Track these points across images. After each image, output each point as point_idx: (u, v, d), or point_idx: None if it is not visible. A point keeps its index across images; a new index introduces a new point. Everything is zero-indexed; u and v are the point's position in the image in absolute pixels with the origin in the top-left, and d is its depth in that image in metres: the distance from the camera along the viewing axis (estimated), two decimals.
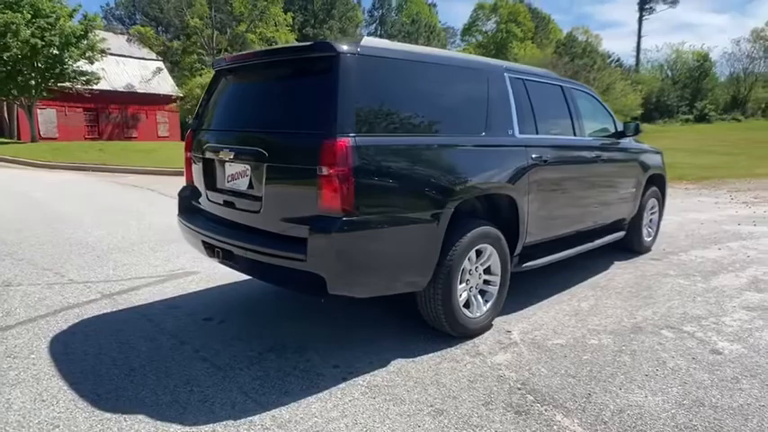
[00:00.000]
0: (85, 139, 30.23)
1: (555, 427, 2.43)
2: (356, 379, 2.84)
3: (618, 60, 49.56)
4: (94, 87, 26.62)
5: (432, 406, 2.58)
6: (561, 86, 4.36)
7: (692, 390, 2.77)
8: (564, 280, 4.61)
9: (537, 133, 3.83)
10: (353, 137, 2.64)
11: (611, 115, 5.03)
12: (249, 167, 3.05)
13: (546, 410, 2.56)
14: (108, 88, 31.20)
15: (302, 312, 3.84)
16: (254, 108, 3.19)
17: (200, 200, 3.60)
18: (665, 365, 3.04)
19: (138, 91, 33.84)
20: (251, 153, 2.99)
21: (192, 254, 5.35)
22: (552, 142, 4.00)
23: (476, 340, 3.35)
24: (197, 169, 3.58)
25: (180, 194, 3.79)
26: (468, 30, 58.71)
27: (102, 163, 14.97)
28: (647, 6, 55.79)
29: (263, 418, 2.46)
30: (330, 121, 2.64)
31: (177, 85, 36.10)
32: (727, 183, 11.54)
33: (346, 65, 2.71)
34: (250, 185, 3.06)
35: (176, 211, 3.79)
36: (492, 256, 3.44)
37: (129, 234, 6.34)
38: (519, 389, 2.76)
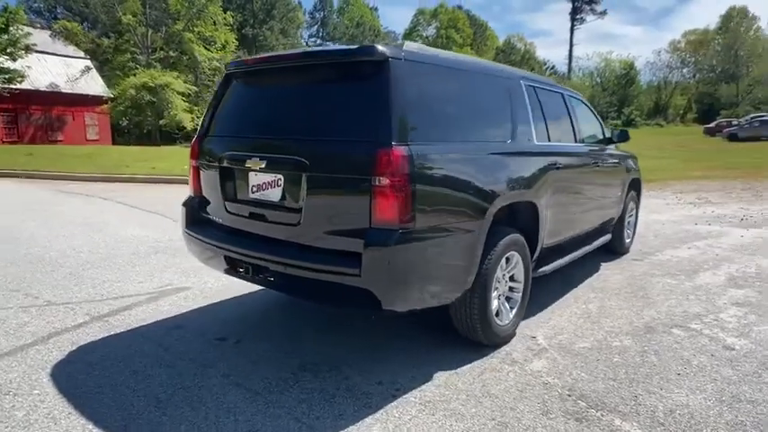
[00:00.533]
0: (3, 142, 27.86)
1: None
2: (406, 396, 2.75)
3: (553, 68, 52.02)
4: (14, 86, 24.58)
5: (494, 419, 2.54)
6: (562, 94, 4.47)
7: (724, 386, 2.90)
8: (561, 284, 4.71)
9: (549, 140, 3.90)
10: (408, 145, 2.56)
11: (600, 122, 5.23)
12: (282, 177, 2.89)
13: (603, 416, 2.59)
14: (29, 87, 28.93)
15: (321, 325, 3.69)
16: (287, 114, 3.00)
17: (212, 212, 3.38)
18: (691, 364, 3.17)
19: (64, 91, 31.67)
20: (288, 162, 2.83)
21: (178, 268, 5.05)
22: (562, 149, 4.09)
23: (507, 348, 3.35)
24: (208, 178, 3.37)
25: (186, 205, 3.54)
26: (409, 34, 59.69)
27: (37, 169, 13.81)
28: (578, 17, 59.03)
29: None
30: (383, 129, 2.54)
31: (108, 86, 34.10)
32: (669, 185, 12.33)
33: (395, 70, 2.63)
34: (283, 196, 2.90)
35: (183, 224, 3.53)
36: (518, 264, 3.46)
37: (97, 248, 5.87)
38: (569, 395, 2.78)
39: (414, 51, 2.84)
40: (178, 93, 32.17)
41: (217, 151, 3.27)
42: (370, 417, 2.55)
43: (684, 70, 57.83)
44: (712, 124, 37.78)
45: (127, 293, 4.35)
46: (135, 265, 5.20)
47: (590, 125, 4.98)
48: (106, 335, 3.49)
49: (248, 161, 3.00)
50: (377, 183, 2.51)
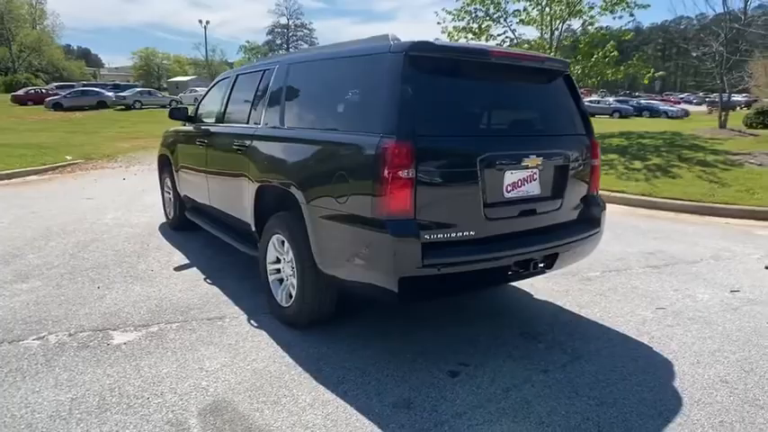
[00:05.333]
0: None
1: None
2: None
3: None
4: None
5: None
6: None
7: None
8: None
9: None
10: None
11: None
12: (538, 171, 3.07)
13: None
14: None
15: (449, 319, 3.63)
16: (521, 111, 3.17)
17: (447, 228, 2.76)
18: None
19: None
20: (558, 156, 3.17)
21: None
22: None
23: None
24: (446, 188, 2.82)
25: (412, 235, 2.64)
26: None
27: None
28: None
29: None
30: (589, 125, 3.47)
31: None
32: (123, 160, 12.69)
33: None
34: (542, 188, 3.11)
35: (417, 259, 2.60)
36: None
37: None
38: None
39: None
40: None
41: (466, 153, 2.79)
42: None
43: None
44: (21, 92, 35.67)
45: None
46: None
47: None
48: None
49: (525, 160, 2.91)
50: (595, 163, 3.48)
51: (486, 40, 13.99)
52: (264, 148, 3.67)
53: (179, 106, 5.52)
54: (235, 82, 4.59)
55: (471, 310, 3.90)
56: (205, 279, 4.44)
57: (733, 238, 6.17)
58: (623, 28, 14.35)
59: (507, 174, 2.96)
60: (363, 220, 2.72)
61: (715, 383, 2.89)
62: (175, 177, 5.65)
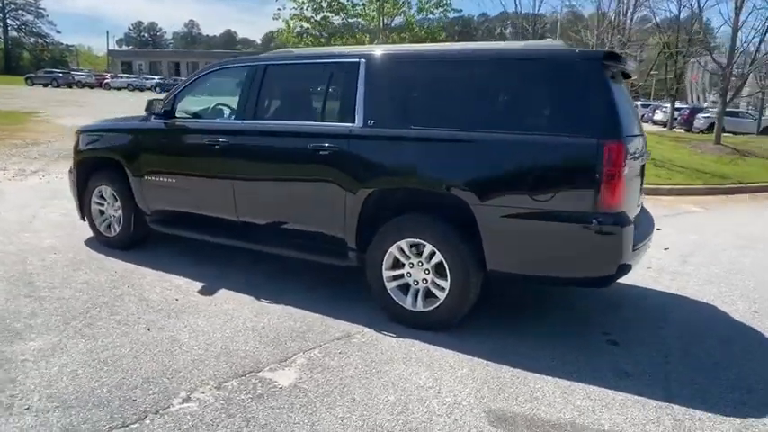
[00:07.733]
0: None
1: None
2: None
3: None
4: None
5: None
6: None
7: None
8: None
9: None
10: None
11: None
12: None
13: None
14: None
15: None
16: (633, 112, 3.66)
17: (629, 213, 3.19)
18: None
19: None
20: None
21: None
22: None
23: None
24: (630, 182, 3.23)
25: (628, 224, 3.02)
26: None
27: None
28: None
29: None
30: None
31: None
32: None
33: None
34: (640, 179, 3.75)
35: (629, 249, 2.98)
36: None
37: None
38: None
39: None
40: None
41: (637, 150, 3.34)
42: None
43: None
44: None
45: None
46: None
47: None
48: None
49: (647, 156, 3.50)
50: None
51: (324, 28, 14.58)
52: (384, 149, 3.46)
53: (155, 99, 4.50)
54: (264, 74, 4.04)
55: (545, 293, 4.33)
56: (259, 298, 3.88)
57: None
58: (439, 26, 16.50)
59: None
60: (579, 215, 2.94)
61: (753, 315, 3.99)
62: (135, 187, 4.63)
